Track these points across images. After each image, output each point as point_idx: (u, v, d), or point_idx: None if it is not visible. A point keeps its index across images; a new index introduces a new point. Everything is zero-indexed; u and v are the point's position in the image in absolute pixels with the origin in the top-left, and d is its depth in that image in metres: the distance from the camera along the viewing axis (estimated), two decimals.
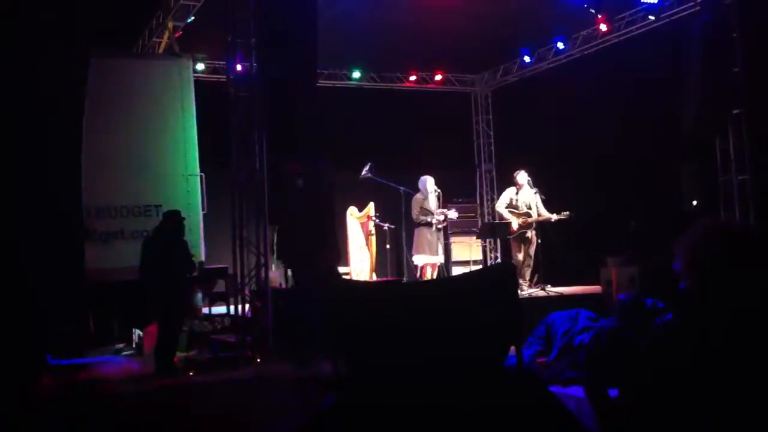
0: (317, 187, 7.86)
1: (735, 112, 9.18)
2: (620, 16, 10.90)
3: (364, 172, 10.57)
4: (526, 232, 10.24)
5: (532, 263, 10.30)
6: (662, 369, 2.31)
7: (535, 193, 10.22)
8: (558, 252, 10.15)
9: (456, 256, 12.67)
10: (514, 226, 10.18)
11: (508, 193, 10.43)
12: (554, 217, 10.07)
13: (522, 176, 10.32)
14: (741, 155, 9.23)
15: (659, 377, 2.30)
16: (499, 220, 10.72)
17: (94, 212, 9.27)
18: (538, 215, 10.16)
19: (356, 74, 12.89)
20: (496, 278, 3.79)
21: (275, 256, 8.78)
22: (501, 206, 10.47)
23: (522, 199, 10.28)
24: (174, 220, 7.47)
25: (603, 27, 10.97)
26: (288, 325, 7.80)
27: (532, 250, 10.27)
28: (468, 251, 12.56)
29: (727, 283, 2.34)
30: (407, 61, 12.83)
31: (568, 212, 10.03)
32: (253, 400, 6.05)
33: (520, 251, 10.27)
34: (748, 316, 2.29)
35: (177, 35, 10.19)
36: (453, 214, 10.71)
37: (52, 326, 7.60)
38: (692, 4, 9.73)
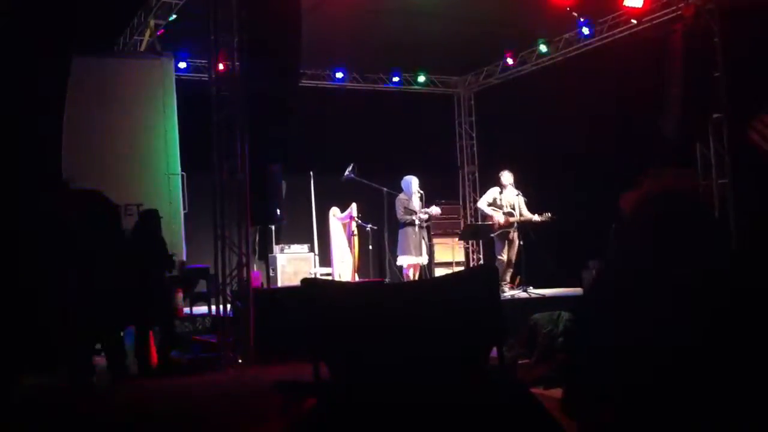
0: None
1: (715, 116, 9.26)
2: (602, 19, 10.96)
3: (346, 173, 10.56)
4: (508, 232, 10.27)
5: (513, 265, 10.35)
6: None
7: (518, 194, 10.28)
8: (541, 254, 10.18)
9: (439, 257, 12.69)
10: (500, 219, 10.21)
11: (492, 192, 10.50)
12: (536, 217, 10.13)
13: (506, 176, 10.39)
14: (721, 160, 9.31)
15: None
16: (481, 217, 10.77)
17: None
18: (521, 215, 10.21)
19: (339, 75, 12.86)
20: (479, 279, 3.78)
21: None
22: (483, 203, 10.52)
23: (505, 199, 10.34)
24: (152, 219, 7.43)
25: (585, 30, 11.03)
26: (269, 326, 7.77)
27: (513, 252, 10.31)
28: (451, 253, 12.57)
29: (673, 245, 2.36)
30: (390, 63, 12.83)
31: (549, 214, 10.10)
32: (233, 403, 6.02)
33: (504, 250, 10.31)
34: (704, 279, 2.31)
35: (159, 33, 10.14)
36: (436, 210, 10.71)
37: (32, 325, 7.51)
38: (674, 8, 9.81)
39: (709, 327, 2.27)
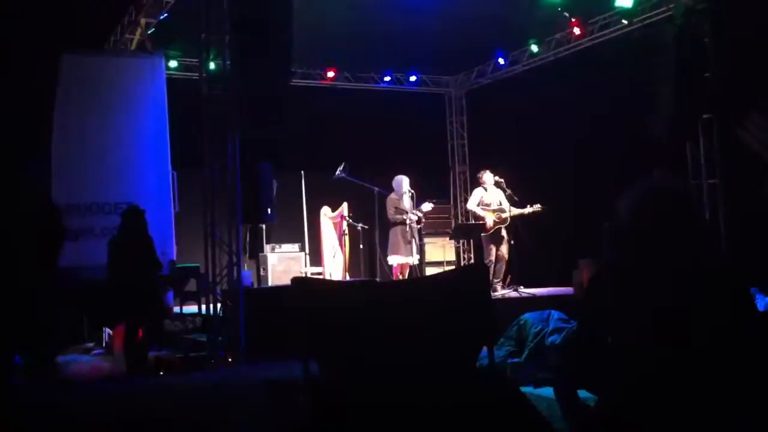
0: None
1: (705, 116, 9.29)
2: (594, 19, 10.98)
3: (337, 173, 10.55)
4: (500, 230, 10.28)
5: (505, 263, 10.36)
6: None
7: (508, 194, 10.29)
8: (531, 253, 10.19)
9: (429, 256, 12.68)
10: (489, 222, 10.24)
11: (478, 193, 10.54)
12: (527, 210, 10.14)
13: (488, 176, 10.44)
14: (711, 160, 9.34)
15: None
16: (473, 219, 10.77)
17: (65, 209, 9.12)
18: (510, 211, 10.24)
19: (331, 74, 12.84)
20: (469, 278, 3.79)
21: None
22: (472, 205, 10.56)
23: (490, 198, 10.38)
24: (138, 217, 7.37)
25: (576, 30, 11.04)
26: (259, 325, 7.75)
27: (505, 250, 10.32)
28: (441, 252, 12.57)
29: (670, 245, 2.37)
30: (382, 62, 12.82)
31: (538, 205, 10.11)
32: (223, 402, 6.01)
33: (492, 251, 10.32)
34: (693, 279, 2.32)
35: (149, 32, 10.11)
36: (427, 206, 10.67)
37: (21, 325, 7.49)
38: (665, 9, 9.84)
39: (710, 326, 2.28)
